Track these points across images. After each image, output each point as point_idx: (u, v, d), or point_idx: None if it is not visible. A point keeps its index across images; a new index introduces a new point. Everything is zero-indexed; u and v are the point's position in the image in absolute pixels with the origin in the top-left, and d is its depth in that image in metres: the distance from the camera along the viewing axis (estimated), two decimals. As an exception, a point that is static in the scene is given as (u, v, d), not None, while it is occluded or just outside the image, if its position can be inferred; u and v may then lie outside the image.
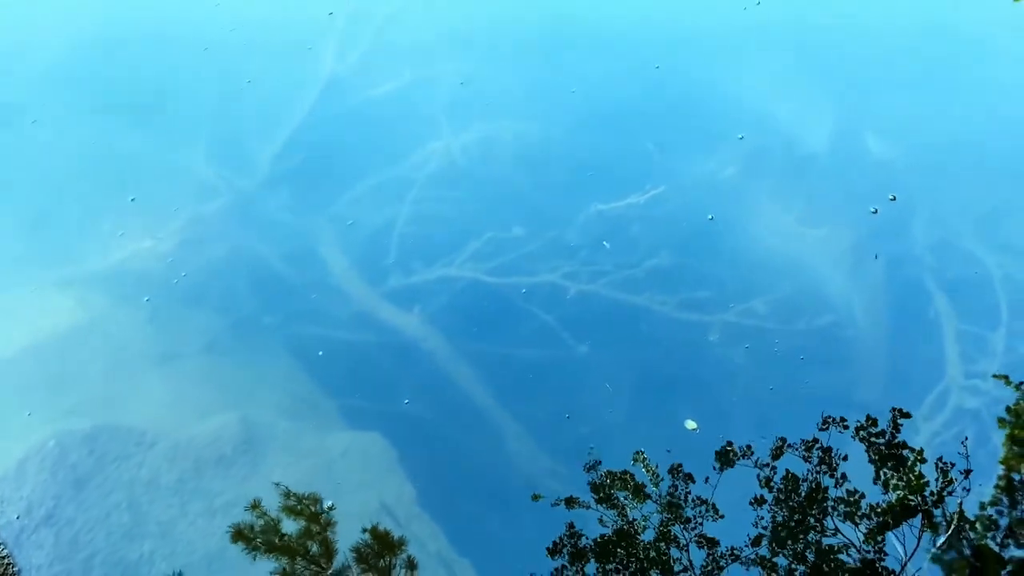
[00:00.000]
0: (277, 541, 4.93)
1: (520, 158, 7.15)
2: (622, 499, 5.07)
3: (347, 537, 4.98)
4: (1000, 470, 5.13)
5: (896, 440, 5.23)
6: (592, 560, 4.84)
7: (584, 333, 5.91)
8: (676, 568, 4.80)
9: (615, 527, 4.95)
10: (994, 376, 5.58)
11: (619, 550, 4.86)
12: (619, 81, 7.88)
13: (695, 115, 7.55)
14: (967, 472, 5.07)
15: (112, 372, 5.78)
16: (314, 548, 4.92)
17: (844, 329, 5.93)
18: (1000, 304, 5.97)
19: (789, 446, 5.24)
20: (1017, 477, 5.07)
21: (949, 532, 4.79)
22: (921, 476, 5.05)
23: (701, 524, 4.96)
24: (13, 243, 6.64)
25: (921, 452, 5.16)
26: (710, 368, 5.72)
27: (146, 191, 6.90)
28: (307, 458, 5.35)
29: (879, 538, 4.82)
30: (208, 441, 5.40)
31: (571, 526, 4.97)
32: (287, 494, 5.10)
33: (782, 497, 5.05)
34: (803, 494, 5.06)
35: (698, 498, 5.07)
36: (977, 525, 4.85)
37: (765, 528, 4.94)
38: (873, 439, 5.23)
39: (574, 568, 4.83)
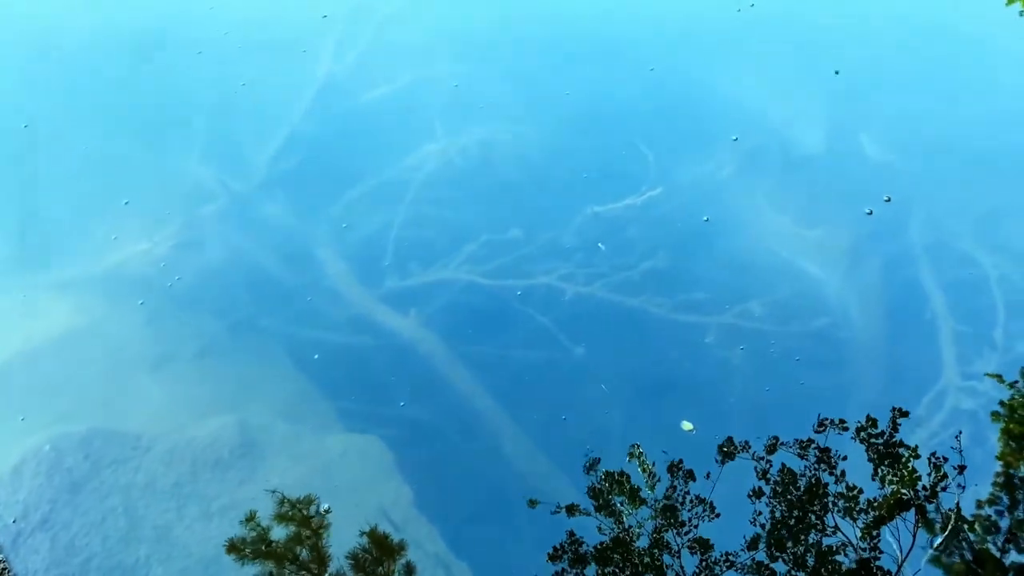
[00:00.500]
0: (264, 548, 4.91)
1: (517, 160, 7.15)
2: (619, 505, 5.07)
3: (345, 540, 4.97)
4: (998, 466, 5.15)
5: (894, 439, 5.24)
6: (592, 564, 4.84)
7: (581, 335, 5.91)
8: (669, 575, 4.79)
9: (612, 535, 4.95)
10: (987, 375, 5.59)
11: (615, 555, 4.85)
12: (615, 83, 7.88)
13: (691, 116, 7.57)
14: (961, 468, 5.08)
15: (108, 376, 5.77)
16: (304, 553, 4.90)
17: (840, 330, 5.94)
18: (997, 305, 5.98)
19: (782, 444, 5.24)
20: (1015, 474, 5.08)
21: (947, 532, 4.79)
22: (914, 471, 5.06)
23: (696, 527, 4.95)
24: (5, 246, 6.62)
25: (915, 448, 5.17)
26: (707, 370, 5.73)
27: (141, 194, 6.89)
28: (305, 461, 5.34)
29: (874, 533, 4.82)
30: (205, 445, 5.38)
31: (571, 534, 4.96)
32: (282, 501, 5.09)
33: (780, 490, 5.05)
34: (802, 488, 5.06)
35: (697, 497, 5.06)
36: (976, 526, 4.85)
37: (763, 526, 4.94)
38: (873, 440, 5.24)
39: (574, 572, 4.82)
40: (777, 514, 4.98)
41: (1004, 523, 4.89)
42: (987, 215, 6.56)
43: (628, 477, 5.16)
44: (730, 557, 4.82)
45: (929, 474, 5.06)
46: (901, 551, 4.76)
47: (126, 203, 6.77)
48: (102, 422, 5.47)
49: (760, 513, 4.99)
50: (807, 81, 7.85)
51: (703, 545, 4.86)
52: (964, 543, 4.79)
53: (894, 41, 8.31)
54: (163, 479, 5.23)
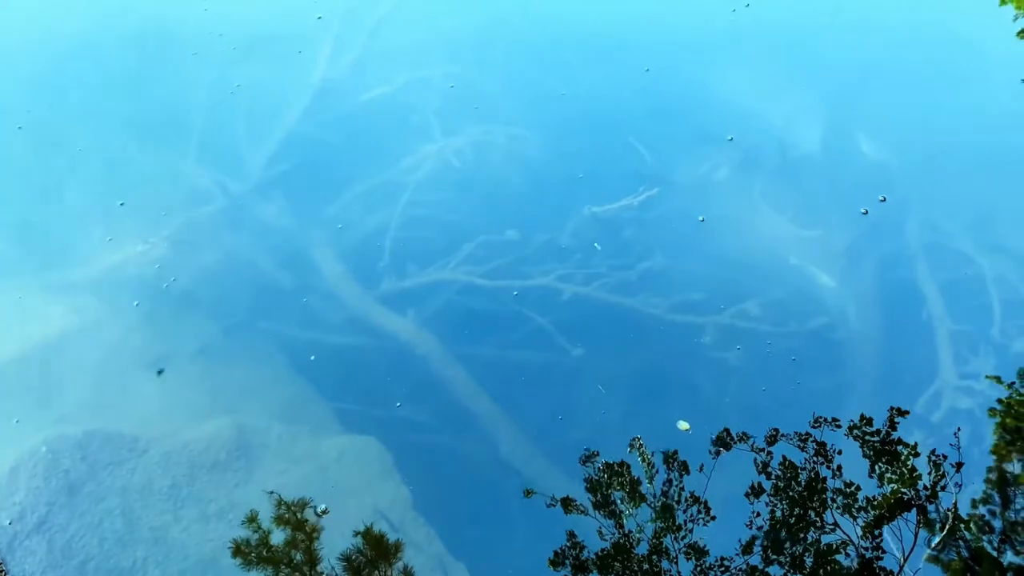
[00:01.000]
0: (266, 552, 4.90)
1: (514, 161, 7.16)
2: (618, 501, 5.06)
3: (343, 542, 4.96)
4: (991, 461, 5.16)
5: (891, 437, 5.25)
6: (595, 572, 4.83)
7: (578, 336, 5.91)
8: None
9: (613, 539, 4.94)
10: (987, 377, 5.60)
11: (616, 563, 4.85)
12: (612, 83, 7.89)
13: (688, 117, 7.58)
14: (959, 465, 5.09)
15: (104, 377, 5.75)
16: (298, 556, 4.89)
17: (837, 330, 5.95)
18: (993, 304, 6.00)
19: (783, 436, 5.25)
20: (1008, 468, 5.09)
21: (944, 532, 4.80)
22: (914, 470, 5.06)
23: (691, 531, 4.95)
24: (0, 247, 6.60)
25: (915, 446, 5.18)
26: (704, 370, 5.73)
27: (137, 196, 6.87)
28: (302, 463, 5.34)
29: (876, 532, 4.83)
30: (202, 446, 5.37)
31: (572, 535, 4.96)
32: (279, 503, 5.08)
33: (781, 485, 5.05)
34: (803, 483, 5.06)
35: (691, 494, 5.06)
36: (971, 525, 4.86)
37: (760, 528, 4.94)
38: (868, 437, 5.24)
39: None
40: (778, 512, 4.98)
41: (997, 524, 4.90)
42: (983, 215, 6.58)
43: (628, 467, 5.16)
44: (725, 562, 4.81)
45: (929, 473, 5.07)
46: (903, 551, 4.76)
47: (121, 204, 6.76)
48: (99, 424, 5.46)
49: (758, 514, 4.99)
50: (803, 81, 7.86)
51: (698, 552, 4.86)
52: (961, 542, 4.80)
53: (890, 41, 8.34)
54: (160, 481, 5.22)
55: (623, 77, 7.93)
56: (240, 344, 5.98)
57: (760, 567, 4.78)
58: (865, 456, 5.18)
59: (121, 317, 6.08)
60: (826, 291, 6.16)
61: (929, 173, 6.99)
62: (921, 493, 4.99)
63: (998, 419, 5.33)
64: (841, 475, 5.10)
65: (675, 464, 5.15)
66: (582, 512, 5.04)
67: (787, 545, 4.85)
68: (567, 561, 4.86)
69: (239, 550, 4.90)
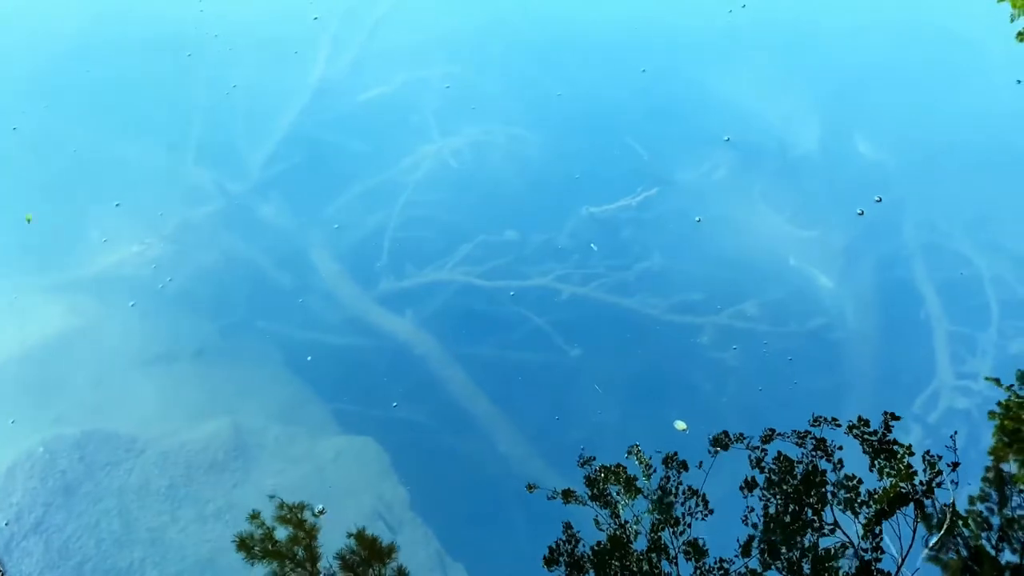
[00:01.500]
0: (271, 547, 4.91)
1: (512, 161, 7.16)
2: (615, 495, 5.06)
3: (340, 543, 4.96)
4: (988, 461, 5.17)
5: (888, 438, 5.25)
6: (591, 570, 4.83)
7: (576, 336, 5.91)
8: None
9: (609, 531, 4.94)
10: (986, 379, 5.60)
11: (614, 561, 4.84)
12: (610, 84, 7.89)
13: (686, 117, 7.58)
14: (955, 465, 5.09)
15: (102, 377, 5.75)
16: (300, 552, 4.90)
17: (835, 331, 5.95)
18: (990, 305, 6.00)
19: (779, 434, 5.25)
20: (1005, 468, 5.10)
21: (943, 531, 4.81)
22: (910, 467, 5.07)
23: (690, 526, 4.95)
24: (-2, 248, 6.61)
25: (910, 447, 5.18)
26: (702, 370, 5.73)
27: (134, 196, 6.86)
28: (299, 463, 5.33)
29: (877, 529, 4.83)
30: (199, 447, 5.37)
31: (568, 526, 4.95)
32: (281, 505, 5.08)
33: (775, 479, 5.05)
34: (799, 477, 5.06)
35: (689, 488, 5.06)
36: (970, 522, 4.87)
37: (755, 525, 4.93)
38: (866, 436, 5.25)
39: None
40: (771, 509, 4.97)
41: (995, 521, 4.91)
42: (981, 215, 6.58)
43: (624, 468, 5.16)
44: (724, 564, 4.80)
45: (924, 470, 5.07)
46: (901, 549, 4.76)
47: (117, 205, 6.74)
48: (96, 424, 5.45)
49: (752, 510, 4.98)
50: (801, 82, 7.87)
51: (697, 551, 4.85)
52: (960, 539, 4.80)
53: (887, 41, 8.34)
54: (157, 481, 5.21)
55: (621, 78, 7.93)
56: (238, 344, 5.97)
57: (759, 571, 4.77)
58: (865, 452, 5.18)
59: (119, 317, 6.08)
60: (824, 291, 6.16)
61: (927, 173, 7.00)
62: (918, 488, 4.99)
63: (997, 422, 5.33)
64: (842, 467, 5.10)
65: (674, 464, 5.15)
66: (580, 503, 5.03)
67: (783, 549, 4.83)
68: (561, 559, 4.85)
69: (244, 544, 4.90)
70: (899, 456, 5.13)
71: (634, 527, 4.95)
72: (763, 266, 6.32)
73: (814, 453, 5.16)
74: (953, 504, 4.92)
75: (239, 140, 7.40)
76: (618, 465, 5.19)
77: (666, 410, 5.50)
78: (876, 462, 5.12)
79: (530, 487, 5.10)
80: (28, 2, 9.39)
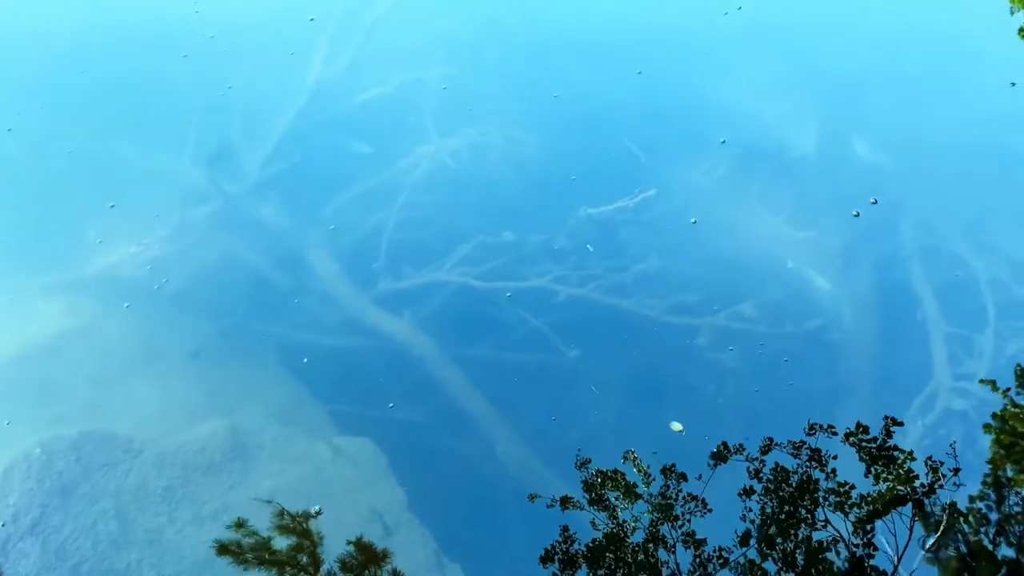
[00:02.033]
0: (267, 556, 4.89)
1: (509, 162, 7.16)
2: (613, 500, 5.06)
3: (338, 544, 4.95)
4: (986, 462, 5.19)
5: (887, 444, 5.25)
6: (584, 566, 4.83)
7: (574, 337, 5.91)
8: (664, 573, 4.79)
9: (605, 530, 4.94)
10: (981, 381, 5.61)
11: (608, 555, 4.85)
12: (608, 86, 7.90)
13: (683, 119, 7.58)
14: (956, 471, 5.09)
15: (99, 379, 5.74)
16: (303, 559, 4.89)
17: (833, 332, 5.96)
18: (987, 306, 6.01)
19: (777, 445, 5.25)
20: (1004, 474, 5.12)
21: (940, 531, 4.81)
22: (911, 471, 5.07)
23: (689, 521, 4.96)
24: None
25: (911, 453, 5.19)
26: (699, 371, 5.73)
27: (132, 197, 6.85)
28: (297, 464, 5.33)
29: (868, 527, 4.84)
30: (197, 448, 5.36)
31: (565, 529, 4.95)
32: (281, 513, 5.07)
33: (771, 487, 5.06)
34: (794, 484, 5.07)
35: (689, 495, 5.07)
36: (970, 518, 4.88)
37: (753, 522, 4.94)
38: (864, 444, 5.25)
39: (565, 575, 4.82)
40: (768, 509, 4.99)
41: (993, 516, 4.92)
42: (978, 217, 6.59)
43: (623, 475, 5.16)
44: (723, 553, 4.81)
45: (927, 475, 5.07)
46: (897, 547, 4.77)
47: (112, 206, 6.73)
48: (93, 425, 5.44)
49: (750, 510, 5.00)
50: (798, 84, 7.88)
51: (696, 541, 4.86)
52: (959, 535, 4.81)
53: (884, 44, 8.35)
54: (154, 483, 5.21)
55: (619, 79, 7.94)
56: (236, 345, 5.97)
57: (757, 562, 4.78)
58: (861, 460, 5.18)
59: (116, 318, 6.07)
60: (821, 293, 6.17)
61: (924, 175, 7.01)
62: (918, 490, 4.99)
63: (993, 435, 5.34)
64: (835, 477, 5.10)
65: (672, 474, 5.15)
66: (578, 507, 5.03)
67: (779, 541, 4.85)
68: (556, 556, 4.85)
69: (225, 549, 4.88)
70: (900, 462, 5.13)
71: (632, 524, 4.95)
72: (760, 267, 6.33)
73: (809, 464, 5.16)
74: (953, 505, 4.92)
75: (237, 141, 7.40)
76: (615, 470, 5.19)
77: (663, 411, 5.50)
78: (873, 468, 5.12)
79: (532, 497, 5.10)
80: (24, 3, 9.39)
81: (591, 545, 4.88)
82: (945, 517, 4.86)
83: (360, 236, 6.60)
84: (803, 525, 4.91)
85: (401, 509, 5.15)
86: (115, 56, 8.41)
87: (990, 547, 4.78)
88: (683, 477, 5.13)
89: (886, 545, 4.81)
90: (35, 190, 7.02)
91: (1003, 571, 4.73)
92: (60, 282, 6.30)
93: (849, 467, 5.17)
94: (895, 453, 5.19)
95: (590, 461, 5.24)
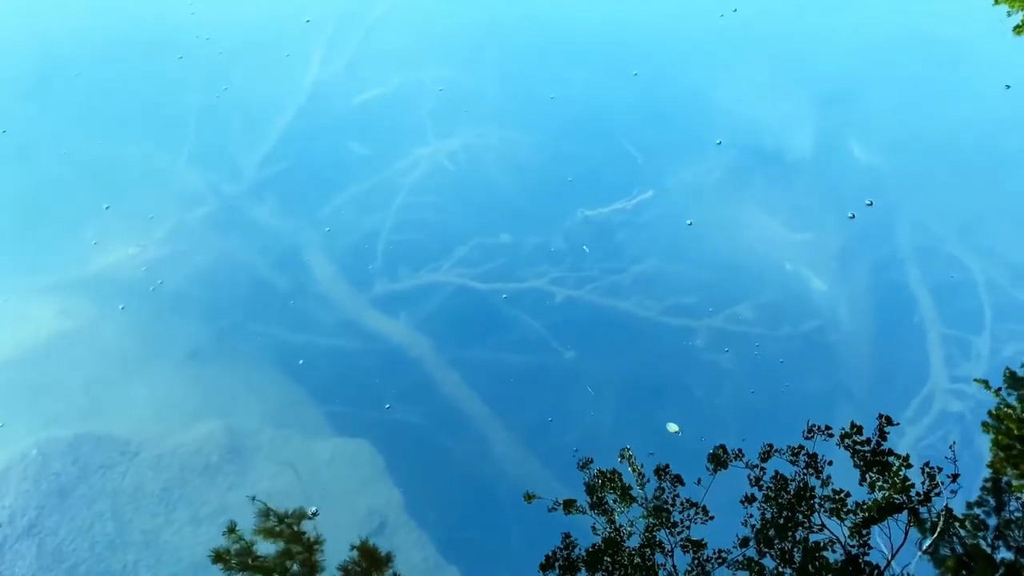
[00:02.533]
0: (251, 562, 4.87)
1: (507, 164, 7.16)
2: (611, 502, 5.07)
3: (334, 546, 4.95)
4: (982, 464, 5.19)
5: (882, 448, 5.26)
6: (583, 570, 4.83)
7: (571, 338, 5.91)
8: (661, 574, 4.79)
9: (604, 535, 4.95)
10: (975, 380, 5.62)
11: (606, 559, 4.85)
12: (605, 87, 7.90)
13: (681, 121, 7.59)
14: (955, 476, 5.10)
15: (95, 380, 5.73)
16: (295, 567, 4.87)
17: (830, 333, 5.96)
18: (984, 308, 6.02)
19: (776, 451, 5.25)
20: (1004, 479, 5.12)
21: (937, 533, 4.82)
22: (906, 479, 5.08)
23: (689, 528, 4.96)
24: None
25: (907, 458, 5.19)
26: (696, 373, 5.74)
27: (128, 199, 6.85)
28: (294, 465, 5.32)
29: (864, 532, 4.84)
30: (193, 450, 5.36)
31: (567, 536, 4.95)
32: (267, 513, 5.05)
33: (771, 495, 5.07)
34: (792, 492, 5.07)
35: (687, 500, 5.07)
36: (967, 523, 4.88)
37: (754, 527, 4.95)
38: (858, 447, 5.25)
39: None
40: (767, 515, 4.99)
41: (992, 522, 4.92)
42: (975, 219, 6.60)
43: (620, 475, 5.17)
44: (723, 554, 4.82)
45: (923, 482, 5.08)
46: (891, 548, 4.78)
47: (107, 207, 6.72)
48: (90, 427, 5.44)
49: (751, 515, 5.00)
50: (795, 86, 7.88)
51: (696, 545, 4.87)
52: (955, 538, 4.82)
53: (880, 46, 8.36)
54: (151, 484, 5.20)
55: (616, 81, 7.94)
56: (232, 346, 5.96)
57: (755, 559, 4.79)
58: (856, 466, 5.19)
59: (113, 320, 6.06)
60: (818, 294, 6.18)
61: (920, 177, 7.02)
62: (914, 499, 5.00)
63: (992, 435, 5.34)
64: (831, 484, 5.11)
65: (667, 476, 5.15)
66: (580, 511, 5.04)
67: (776, 541, 4.86)
68: (556, 563, 4.85)
69: (219, 557, 4.88)
70: (895, 468, 5.14)
71: (628, 529, 4.95)
72: (757, 269, 6.33)
73: (806, 471, 5.16)
74: (949, 509, 4.93)
75: (234, 142, 7.40)
76: (613, 471, 5.19)
77: (660, 412, 5.50)
78: (868, 475, 5.12)
79: (528, 497, 5.09)
80: (19, 5, 9.37)
81: (590, 550, 4.88)
82: (941, 522, 4.86)
83: (357, 237, 6.60)
84: (800, 528, 4.92)
85: (398, 510, 5.15)
86: (111, 57, 8.40)
87: (988, 550, 4.79)
88: (679, 480, 5.13)
89: (881, 545, 4.81)
90: (31, 191, 7.01)
91: (1000, 571, 4.73)
92: (57, 283, 6.29)
93: (845, 471, 5.18)
94: (890, 459, 5.20)
95: (592, 461, 5.24)
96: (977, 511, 4.96)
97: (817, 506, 4.99)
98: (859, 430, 5.31)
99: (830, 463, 5.19)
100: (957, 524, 4.86)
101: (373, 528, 5.05)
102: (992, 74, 7.83)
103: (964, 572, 4.73)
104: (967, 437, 5.35)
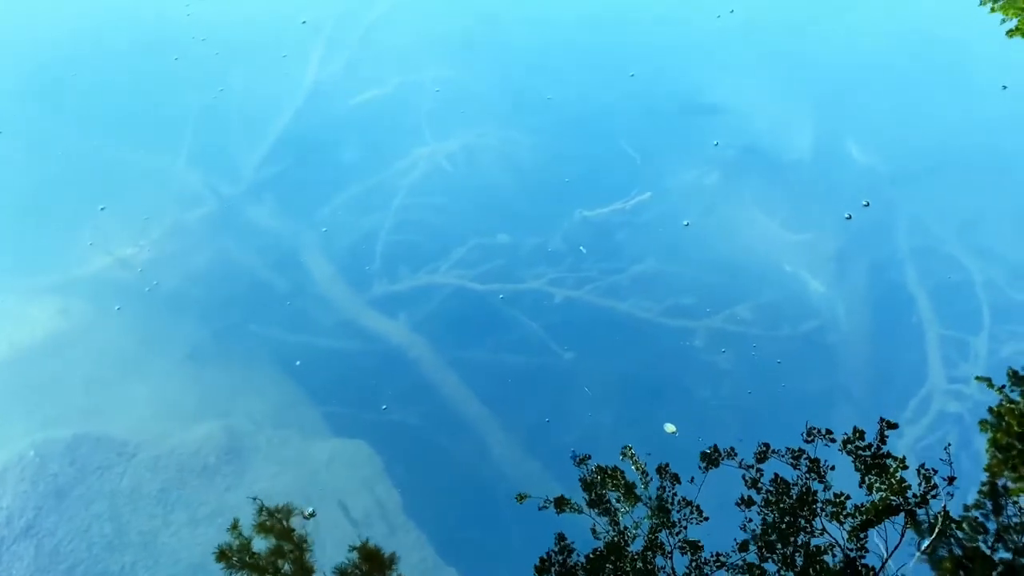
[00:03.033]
0: (249, 558, 4.87)
1: (505, 164, 7.16)
2: (613, 501, 5.06)
3: (332, 546, 4.95)
4: (980, 465, 5.18)
5: (882, 451, 5.25)
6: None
7: (570, 339, 5.91)
8: (661, 576, 4.79)
9: (607, 539, 4.92)
10: (977, 378, 5.62)
11: (608, 565, 4.83)
12: (603, 88, 7.90)
13: (680, 122, 7.59)
14: (951, 479, 5.10)
15: (93, 381, 5.73)
16: (286, 567, 4.87)
17: (828, 334, 5.96)
18: (982, 309, 6.02)
19: (774, 452, 5.25)
20: (1001, 482, 5.11)
21: (934, 535, 4.82)
22: (903, 481, 5.07)
23: (686, 528, 4.96)
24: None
25: (903, 460, 5.18)
26: (695, 373, 5.74)
27: (126, 199, 6.84)
28: (292, 466, 5.32)
29: (862, 535, 4.84)
30: (191, 450, 5.35)
31: (561, 537, 4.94)
32: (261, 510, 5.04)
33: (771, 499, 5.06)
34: (794, 497, 5.07)
35: (683, 499, 5.07)
36: (964, 526, 4.88)
37: (753, 532, 4.94)
38: (860, 452, 5.24)
39: None
40: (768, 519, 4.99)
41: (991, 525, 4.92)
42: (973, 219, 6.61)
43: (622, 473, 5.16)
44: (720, 558, 4.82)
45: (919, 484, 5.08)
46: (887, 549, 4.78)
47: (102, 208, 6.71)
48: (88, 428, 5.43)
49: (751, 520, 5.00)
50: (793, 86, 7.89)
51: (693, 547, 4.86)
52: (952, 540, 4.81)
53: (878, 47, 8.37)
54: (149, 485, 5.20)
55: (615, 81, 7.94)
56: (230, 347, 5.95)
57: (756, 563, 4.78)
58: (857, 470, 5.18)
59: (111, 320, 6.06)
60: (817, 295, 6.18)
61: (919, 177, 7.02)
62: (911, 500, 5.00)
63: (989, 434, 5.34)
64: (831, 488, 5.10)
65: (666, 474, 5.15)
66: (576, 510, 5.02)
67: (778, 546, 4.85)
68: (553, 568, 4.84)
69: (223, 555, 4.88)
70: (892, 470, 5.13)
71: (633, 531, 4.94)
72: (756, 270, 6.33)
73: (808, 475, 5.15)
74: (945, 511, 4.93)
75: (232, 143, 7.39)
76: (615, 468, 5.19)
77: (659, 413, 5.50)
78: (867, 478, 5.12)
79: (520, 497, 5.09)
80: (15, 7, 9.36)
81: (591, 556, 4.86)
82: (939, 523, 4.86)
83: (356, 238, 6.60)
84: (802, 533, 4.91)
85: (397, 511, 5.15)
86: (107, 58, 8.40)
87: (987, 552, 4.79)
88: (676, 478, 5.13)
89: (880, 547, 4.81)
90: (28, 192, 7.00)
91: (998, 571, 4.73)
92: (54, 284, 6.28)
93: (844, 473, 5.18)
94: (887, 461, 5.19)
95: (589, 457, 5.23)
96: (975, 513, 4.95)
97: (819, 510, 4.98)
98: (861, 435, 5.30)
99: (832, 468, 5.18)
100: (954, 526, 4.85)
101: (371, 529, 5.04)
102: (990, 75, 7.84)
103: (961, 573, 4.73)
104: (965, 438, 5.35)
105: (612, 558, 4.84)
